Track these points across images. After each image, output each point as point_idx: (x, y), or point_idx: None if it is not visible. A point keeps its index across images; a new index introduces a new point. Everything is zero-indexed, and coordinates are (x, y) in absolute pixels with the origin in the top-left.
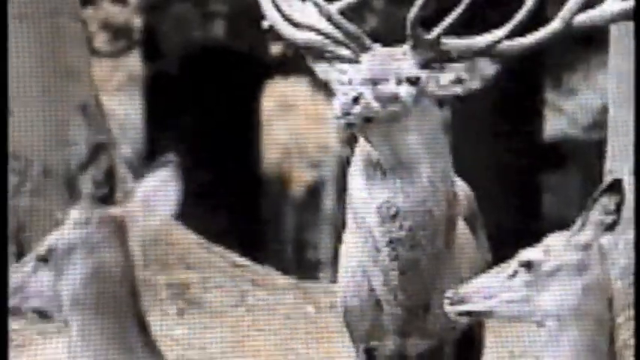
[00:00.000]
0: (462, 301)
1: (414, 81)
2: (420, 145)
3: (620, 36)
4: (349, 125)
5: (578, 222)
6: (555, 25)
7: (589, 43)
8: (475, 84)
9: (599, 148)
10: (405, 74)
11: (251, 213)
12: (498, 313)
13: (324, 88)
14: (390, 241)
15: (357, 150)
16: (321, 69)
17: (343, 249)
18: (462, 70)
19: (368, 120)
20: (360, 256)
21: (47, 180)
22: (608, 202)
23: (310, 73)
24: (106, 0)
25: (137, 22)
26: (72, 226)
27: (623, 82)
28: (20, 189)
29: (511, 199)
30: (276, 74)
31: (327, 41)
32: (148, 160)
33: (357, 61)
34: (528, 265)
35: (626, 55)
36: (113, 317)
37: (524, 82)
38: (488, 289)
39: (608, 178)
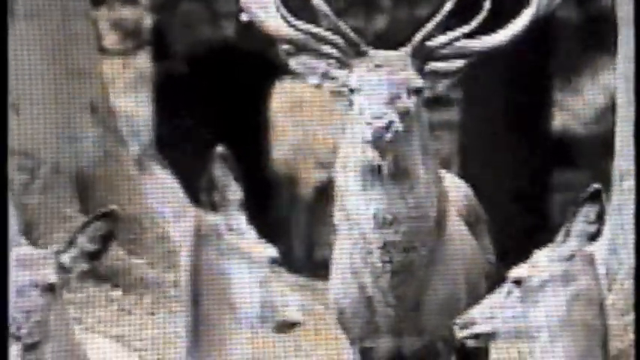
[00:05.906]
0: (468, 325)
1: (418, 90)
2: (418, 150)
3: (628, 40)
4: (377, 147)
5: (561, 233)
6: (524, 21)
7: (597, 44)
8: (447, 79)
9: (606, 147)
10: (413, 86)
11: (260, 212)
12: (501, 333)
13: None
14: (384, 245)
15: (350, 153)
16: (298, 62)
17: (335, 250)
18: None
19: (391, 141)
20: (350, 258)
21: (56, 177)
22: (589, 211)
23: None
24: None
25: (147, 21)
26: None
27: (631, 84)
28: (29, 186)
29: (520, 198)
30: (285, 74)
31: (312, 40)
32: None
33: (346, 64)
34: (518, 282)
35: (634, 59)
36: None
37: (532, 80)
38: (490, 310)
39: (616, 178)
